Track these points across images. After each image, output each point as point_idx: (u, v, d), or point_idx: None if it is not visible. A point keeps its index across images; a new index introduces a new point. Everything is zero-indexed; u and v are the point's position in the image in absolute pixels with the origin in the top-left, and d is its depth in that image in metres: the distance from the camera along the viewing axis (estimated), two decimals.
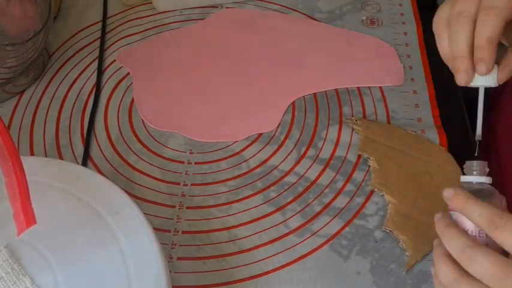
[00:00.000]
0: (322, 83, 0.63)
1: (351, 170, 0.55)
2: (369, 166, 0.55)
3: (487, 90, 0.43)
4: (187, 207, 0.53)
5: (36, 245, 0.40)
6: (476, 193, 0.37)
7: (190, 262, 0.49)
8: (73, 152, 0.58)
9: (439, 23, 0.42)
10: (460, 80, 0.41)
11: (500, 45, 0.40)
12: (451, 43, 0.41)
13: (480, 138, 0.43)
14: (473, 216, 0.36)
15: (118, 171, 0.56)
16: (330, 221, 0.51)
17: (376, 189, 0.53)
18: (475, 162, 0.40)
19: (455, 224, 0.37)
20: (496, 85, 0.42)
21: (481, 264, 0.34)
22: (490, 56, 0.39)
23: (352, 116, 0.59)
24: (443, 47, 0.42)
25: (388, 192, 0.52)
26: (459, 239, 0.35)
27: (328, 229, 0.51)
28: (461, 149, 0.56)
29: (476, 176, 0.39)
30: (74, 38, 0.71)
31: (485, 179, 0.39)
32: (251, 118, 0.60)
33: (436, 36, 0.43)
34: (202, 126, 0.60)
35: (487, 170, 0.39)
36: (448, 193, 0.37)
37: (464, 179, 0.40)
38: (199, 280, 0.48)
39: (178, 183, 0.55)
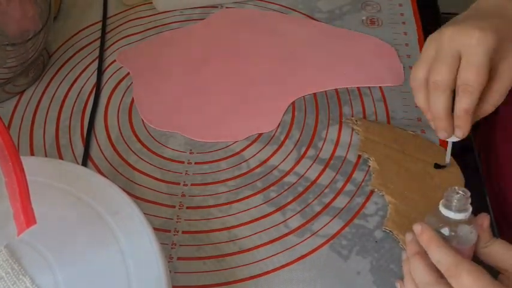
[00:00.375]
0: (322, 83, 0.63)
1: (351, 170, 0.55)
2: (369, 166, 0.55)
3: None
4: (187, 207, 0.53)
5: (36, 245, 0.40)
6: (453, 223, 0.39)
7: (190, 262, 0.49)
8: (73, 152, 0.58)
9: (415, 82, 0.49)
10: (441, 136, 0.49)
11: None
12: (432, 106, 0.47)
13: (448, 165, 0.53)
14: (433, 260, 0.39)
15: (118, 171, 0.56)
16: (330, 221, 0.51)
17: (376, 189, 0.53)
18: (455, 198, 0.39)
19: (422, 253, 0.39)
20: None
21: None
22: (467, 124, 0.47)
23: (352, 116, 0.59)
24: (420, 101, 0.49)
25: (388, 192, 0.52)
26: (422, 273, 0.39)
27: (328, 229, 0.51)
28: (461, 149, 0.56)
29: (455, 212, 0.40)
30: (74, 38, 0.71)
31: (463, 216, 0.40)
32: (251, 118, 0.60)
33: (413, 91, 0.49)
34: (202, 126, 0.60)
35: (469, 201, 0.40)
36: (416, 229, 0.40)
37: (443, 210, 0.40)
38: (199, 280, 0.48)
39: (178, 183, 0.55)
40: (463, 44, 0.45)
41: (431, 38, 0.48)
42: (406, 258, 0.41)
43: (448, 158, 0.53)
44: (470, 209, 0.40)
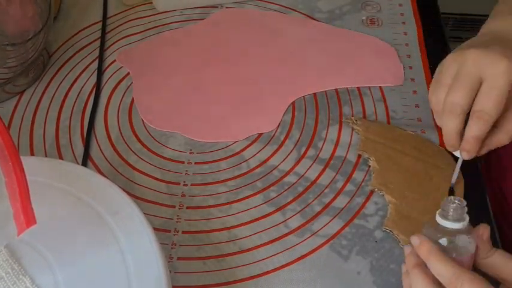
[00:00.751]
0: (322, 83, 0.63)
1: (351, 170, 0.55)
2: (369, 166, 0.55)
3: None
4: (187, 207, 0.53)
5: (36, 245, 0.40)
6: (451, 233, 0.39)
7: (190, 262, 0.49)
8: (73, 152, 0.58)
9: (438, 106, 0.48)
10: (448, 149, 0.49)
11: None
12: (444, 126, 0.47)
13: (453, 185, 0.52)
14: (433, 272, 0.38)
15: (118, 171, 0.56)
16: (330, 221, 0.51)
17: (376, 189, 0.53)
18: (451, 207, 0.40)
19: (421, 265, 0.39)
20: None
21: None
22: (474, 149, 0.46)
23: (352, 116, 0.59)
24: (439, 121, 0.49)
25: (388, 192, 0.52)
26: (422, 286, 0.38)
27: (328, 229, 0.51)
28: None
29: (452, 221, 0.40)
30: (74, 38, 0.71)
31: (460, 225, 0.40)
32: (251, 118, 0.60)
33: (434, 113, 0.49)
34: (202, 126, 0.60)
35: (465, 210, 0.40)
36: (414, 241, 0.40)
37: (439, 221, 0.40)
38: (199, 280, 0.48)
39: (178, 183, 0.55)
40: (487, 70, 0.44)
41: (453, 58, 0.47)
42: (406, 271, 0.41)
43: (454, 177, 0.52)
44: (467, 218, 0.40)
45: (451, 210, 0.40)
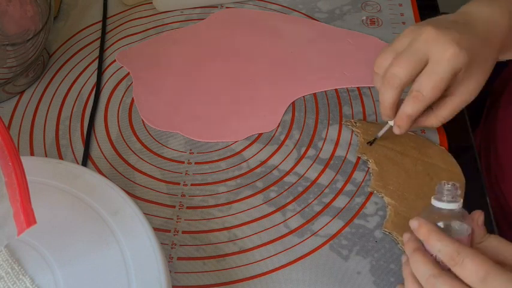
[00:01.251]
0: (322, 83, 0.63)
1: (351, 170, 0.55)
2: (369, 167, 0.55)
3: (485, 96, 0.50)
4: (187, 207, 0.53)
5: (36, 245, 0.40)
6: (447, 216, 0.40)
7: (190, 262, 0.49)
8: (73, 152, 0.58)
9: (379, 69, 0.50)
10: (383, 118, 0.51)
11: None
12: (381, 96, 0.49)
13: (377, 138, 0.55)
14: (434, 251, 0.39)
15: (118, 171, 0.56)
16: (330, 221, 0.51)
17: (375, 191, 0.53)
18: (445, 189, 0.41)
19: (421, 249, 0.40)
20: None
21: None
22: (406, 126, 0.49)
23: (352, 117, 0.59)
24: (377, 84, 0.50)
25: (387, 193, 0.52)
26: (424, 267, 0.38)
27: (328, 229, 0.51)
28: (461, 149, 0.56)
29: (447, 202, 0.41)
30: (74, 38, 0.71)
31: (455, 205, 0.41)
32: (251, 118, 0.60)
33: (374, 73, 0.51)
34: (202, 126, 0.60)
35: (459, 192, 0.41)
36: (413, 224, 0.40)
37: (435, 203, 0.41)
38: (199, 280, 0.48)
39: (178, 183, 0.55)
40: (435, 52, 0.45)
41: (411, 29, 0.48)
42: (406, 259, 0.41)
43: (380, 134, 0.55)
44: (461, 200, 0.41)
45: (445, 191, 0.41)
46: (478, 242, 0.41)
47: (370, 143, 0.55)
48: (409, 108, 0.47)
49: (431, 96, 0.45)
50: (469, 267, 0.36)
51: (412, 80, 0.46)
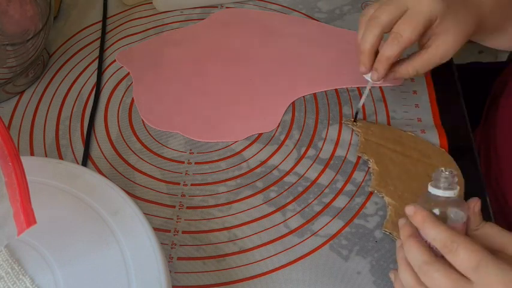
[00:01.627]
0: (322, 83, 0.63)
1: (351, 170, 0.55)
2: (369, 167, 0.55)
3: (485, 96, 0.51)
4: (187, 207, 0.53)
5: (36, 245, 0.40)
6: (443, 203, 0.40)
7: (190, 262, 0.49)
8: (73, 152, 0.58)
9: (363, 17, 0.53)
10: (360, 70, 0.53)
11: None
12: (361, 40, 0.52)
13: (359, 111, 0.58)
14: (429, 238, 0.39)
15: (118, 171, 0.56)
16: (330, 221, 0.51)
17: (375, 191, 0.53)
18: (442, 176, 0.41)
19: (416, 235, 0.40)
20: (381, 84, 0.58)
21: (435, 281, 0.37)
22: (384, 70, 0.52)
23: (352, 117, 0.59)
24: (359, 36, 0.53)
25: (388, 194, 0.52)
26: (417, 253, 0.39)
27: (328, 229, 0.51)
28: (461, 149, 0.56)
29: (443, 190, 0.41)
30: (74, 38, 0.71)
31: (451, 193, 0.41)
32: (251, 118, 0.60)
33: (359, 26, 0.53)
34: (202, 126, 0.60)
35: (456, 180, 0.41)
36: (409, 210, 0.41)
37: (431, 190, 0.41)
38: (199, 280, 0.48)
39: (178, 183, 0.55)
40: (413, 1, 0.49)
41: None
42: (400, 245, 0.41)
43: (361, 101, 0.57)
44: (458, 187, 0.41)
45: (442, 179, 0.41)
46: (474, 229, 0.41)
47: (354, 118, 0.57)
48: (389, 49, 0.50)
49: (409, 36, 0.49)
50: (462, 255, 0.36)
51: (392, 25, 0.50)
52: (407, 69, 0.52)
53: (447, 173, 0.41)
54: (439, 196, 0.41)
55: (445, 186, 0.41)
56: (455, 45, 0.50)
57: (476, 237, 0.41)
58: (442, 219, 0.40)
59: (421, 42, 0.52)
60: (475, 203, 0.41)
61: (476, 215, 0.41)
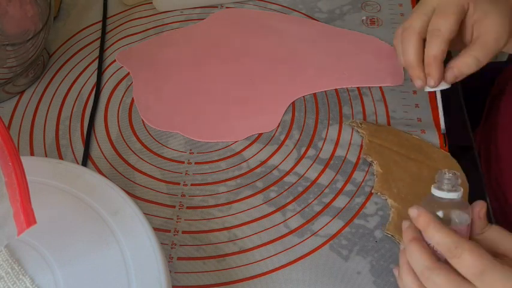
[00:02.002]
0: (322, 83, 0.63)
1: (351, 170, 0.55)
2: (369, 166, 0.55)
3: (485, 96, 0.50)
4: (187, 207, 0.53)
5: (36, 245, 0.40)
6: (447, 205, 0.40)
7: (190, 262, 0.49)
8: (73, 152, 0.58)
9: (396, 39, 0.51)
10: (416, 85, 0.50)
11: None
12: (404, 55, 0.50)
13: (444, 132, 0.54)
14: (432, 242, 0.38)
15: (118, 171, 0.56)
16: (330, 221, 0.51)
17: (379, 193, 0.52)
18: (446, 177, 0.40)
19: (419, 239, 0.39)
20: (448, 87, 0.50)
21: (437, 286, 0.37)
22: (437, 71, 0.48)
23: (352, 117, 0.59)
24: (399, 59, 0.51)
25: (391, 196, 0.52)
26: (419, 258, 0.38)
27: (328, 229, 0.51)
28: (461, 149, 0.56)
29: (446, 191, 0.40)
30: (74, 38, 0.71)
31: (455, 195, 0.40)
32: (251, 118, 0.60)
33: (396, 51, 0.52)
34: (202, 126, 0.60)
35: (459, 181, 0.41)
36: (413, 213, 0.40)
37: (435, 192, 0.41)
38: (199, 280, 0.48)
39: (178, 183, 0.55)
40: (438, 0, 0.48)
41: None
42: (403, 248, 0.41)
43: (442, 122, 0.56)
44: (462, 189, 0.40)
45: (445, 180, 0.40)
46: (478, 233, 0.40)
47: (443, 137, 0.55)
48: (432, 47, 0.47)
49: (446, 28, 0.47)
50: (467, 261, 0.36)
51: (426, 28, 0.48)
52: (466, 60, 0.48)
53: (450, 174, 0.40)
54: (442, 198, 0.40)
55: (448, 188, 0.40)
56: (503, 24, 0.47)
57: (480, 241, 0.40)
58: (446, 221, 0.39)
59: (468, 37, 0.50)
60: (481, 208, 0.40)
61: (481, 219, 0.40)
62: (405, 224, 0.41)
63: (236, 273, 0.48)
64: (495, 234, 0.40)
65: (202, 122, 0.60)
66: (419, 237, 0.39)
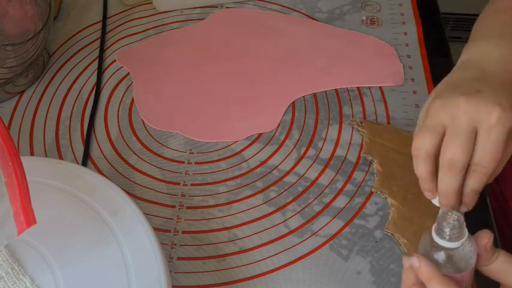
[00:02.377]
0: (322, 83, 0.63)
1: (351, 170, 0.55)
2: (369, 165, 0.55)
3: None
4: (187, 207, 0.53)
5: (36, 245, 0.40)
6: (448, 250, 0.36)
7: (190, 262, 0.49)
8: (73, 152, 0.58)
9: (420, 152, 0.44)
10: (426, 195, 0.45)
11: None
12: (441, 184, 0.43)
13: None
14: None
15: (118, 171, 0.56)
16: (330, 221, 0.51)
17: (379, 192, 0.52)
18: (448, 226, 0.36)
19: (420, 284, 0.37)
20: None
21: None
22: (472, 202, 0.43)
23: (352, 116, 0.59)
24: (422, 171, 0.44)
25: (391, 195, 0.52)
26: None
27: (328, 229, 0.51)
28: None
29: (448, 240, 0.36)
30: (74, 38, 0.71)
31: (458, 244, 0.36)
32: (251, 118, 0.60)
33: (414, 158, 0.44)
34: (202, 126, 0.60)
35: (464, 224, 0.37)
36: (414, 263, 0.37)
37: (436, 239, 0.37)
38: (199, 280, 0.48)
39: (178, 183, 0.55)
40: (481, 121, 0.42)
41: (441, 105, 0.44)
42: (408, 267, 0.38)
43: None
44: (466, 234, 0.36)
45: (447, 230, 0.36)
46: (485, 265, 0.38)
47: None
48: (474, 183, 0.43)
49: (492, 166, 0.42)
50: None
51: (438, 148, 0.43)
52: (489, 179, 0.44)
53: (455, 217, 0.36)
54: (443, 246, 0.36)
55: (450, 237, 0.36)
56: None
57: (487, 271, 0.38)
58: (448, 264, 0.37)
59: None
60: (487, 241, 0.38)
61: (488, 252, 0.38)
62: (406, 263, 0.38)
63: (236, 273, 0.48)
64: (502, 265, 0.38)
65: (202, 122, 0.60)
66: (421, 283, 0.37)
